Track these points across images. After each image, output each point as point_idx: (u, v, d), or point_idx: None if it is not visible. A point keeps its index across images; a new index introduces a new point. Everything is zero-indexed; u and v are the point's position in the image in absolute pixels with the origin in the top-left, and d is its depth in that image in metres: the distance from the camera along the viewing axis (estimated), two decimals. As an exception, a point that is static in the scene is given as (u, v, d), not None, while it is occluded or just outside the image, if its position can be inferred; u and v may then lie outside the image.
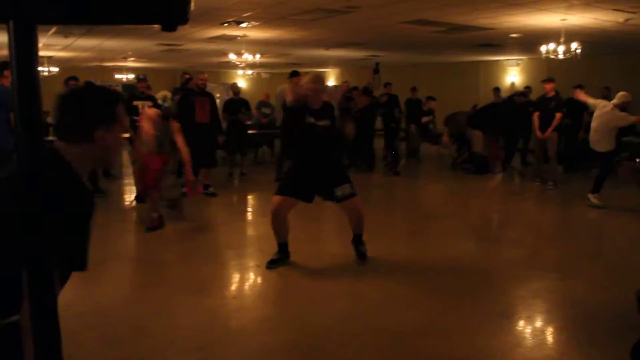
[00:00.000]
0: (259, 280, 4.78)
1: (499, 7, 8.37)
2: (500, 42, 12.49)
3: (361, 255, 5.08)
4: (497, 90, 13.58)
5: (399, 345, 3.45)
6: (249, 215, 8.00)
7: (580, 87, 8.44)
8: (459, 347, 3.44)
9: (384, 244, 5.72)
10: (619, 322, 3.75)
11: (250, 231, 6.93)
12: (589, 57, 10.57)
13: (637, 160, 1.93)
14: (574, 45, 9.60)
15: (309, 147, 4.83)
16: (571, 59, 10.44)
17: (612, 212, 7.58)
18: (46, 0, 0.70)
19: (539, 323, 3.99)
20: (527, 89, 12.75)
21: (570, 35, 9.62)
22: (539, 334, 3.79)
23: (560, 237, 6.67)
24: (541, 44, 10.55)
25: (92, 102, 1.77)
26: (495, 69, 17.67)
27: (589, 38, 10.17)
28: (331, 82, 22.10)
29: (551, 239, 6.59)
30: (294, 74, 8.78)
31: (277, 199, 4.82)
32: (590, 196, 7.72)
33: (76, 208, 1.61)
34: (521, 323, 3.95)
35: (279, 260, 4.94)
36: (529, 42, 11.65)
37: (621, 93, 7.72)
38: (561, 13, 8.54)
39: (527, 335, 3.74)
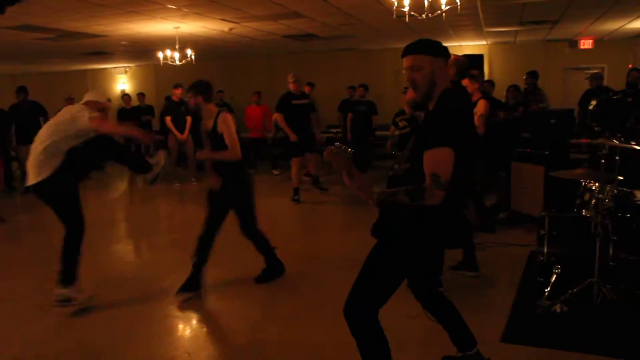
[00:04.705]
0: None
1: (115, 14, 8.29)
2: (111, 50, 12.34)
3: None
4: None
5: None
6: None
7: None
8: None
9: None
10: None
11: None
12: (198, 62, 11.39)
13: (336, 144, 2.29)
14: (189, 52, 10.24)
15: None
16: (180, 65, 11.06)
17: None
18: None
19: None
20: (141, 95, 13.00)
21: (184, 42, 10.22)
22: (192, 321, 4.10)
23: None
24: (155, 50, 10.89)
25: None
26: (103, 77, 17.33)
27: (200, 45, 10.99)
28: None
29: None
30: None
31: None
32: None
33: None
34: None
35: None
36: (141, 49, 11.86)
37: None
38: (175, 21, 8.99)
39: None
